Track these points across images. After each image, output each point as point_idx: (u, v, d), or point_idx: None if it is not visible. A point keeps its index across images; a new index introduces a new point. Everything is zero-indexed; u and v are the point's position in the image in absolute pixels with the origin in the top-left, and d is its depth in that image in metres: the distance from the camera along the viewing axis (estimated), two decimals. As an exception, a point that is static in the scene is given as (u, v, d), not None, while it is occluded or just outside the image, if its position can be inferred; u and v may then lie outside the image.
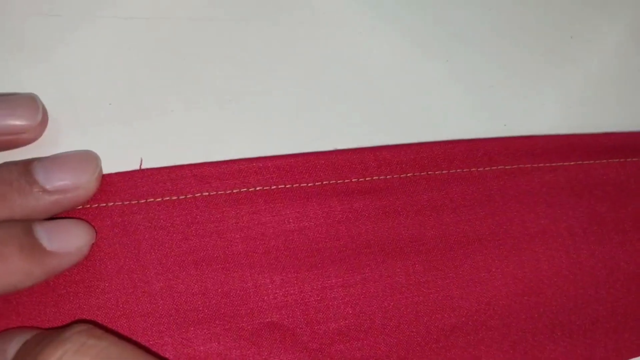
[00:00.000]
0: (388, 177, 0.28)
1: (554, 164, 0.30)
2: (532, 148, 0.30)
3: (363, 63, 0.30)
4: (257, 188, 0.27)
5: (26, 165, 0.25)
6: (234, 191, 0.27)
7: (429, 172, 0.29)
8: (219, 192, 0.27)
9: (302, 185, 0.28)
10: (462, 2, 0.32)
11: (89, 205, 0.26)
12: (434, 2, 0.32)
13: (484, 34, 0.32)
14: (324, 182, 0.28)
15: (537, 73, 0.32)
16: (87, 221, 0.25)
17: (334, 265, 0.27)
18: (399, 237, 0.28)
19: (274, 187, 0.27)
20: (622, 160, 0.31)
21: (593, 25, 0.33)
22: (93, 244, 0.26)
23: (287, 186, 0.27)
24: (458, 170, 0.29)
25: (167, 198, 0.27)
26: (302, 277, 0.27)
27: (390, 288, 0.27)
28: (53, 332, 0.22)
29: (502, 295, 0.28)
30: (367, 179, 0.28)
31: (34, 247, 0.23)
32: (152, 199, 0.27)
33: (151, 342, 0.25)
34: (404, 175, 0.29)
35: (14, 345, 0.23)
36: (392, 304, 0.27)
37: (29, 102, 0.26)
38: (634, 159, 0.31)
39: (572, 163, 0.30)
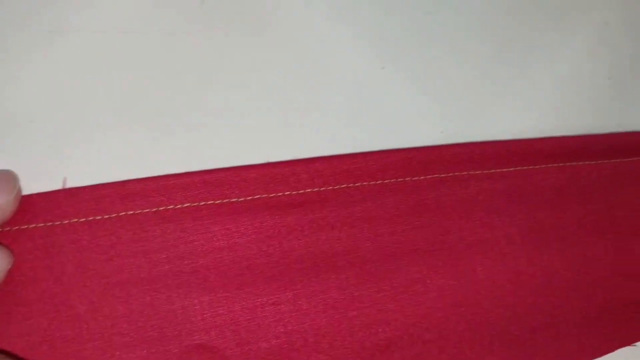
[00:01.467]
0: (322, 189, 0.28)
1: (491, 171, 0.30)
2: (468, 155, 0.29)
3: (299, 70, 0.30)
4: (185, 205, 0.26)
5: None
6: (160, 209, 0.26)
7: (363, 183, 0.28)
8: (144, 210, 0.26)
9: (232, 200, 0.27)
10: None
11: (8, 228, 0.25)
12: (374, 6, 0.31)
13: (419, 40, 0.31)
14: (255, 197, 0.27)
15: (477, 78, 0.31)
16: (4, 245, 0.24)
17: (265, 283, 0.26)
18: (333, 250, 0.27)
19: (202, 203, 0.27)
20: (560, 164, 0.30)
21: (538, 29, 0.33)
22: (11, 268, 0.25)
23: (216, 202, 0.27)
24: (392, 180, 0.28)
25: (91, 218, 0.26)
26: (231, 296, 0.26)
27: (323, 304, 0.26)
28: None
29: (438, 307, 0.27)
30: (299, 191, 0.28)
31: None
32: (75, 219, 0.26)
33: None
34: (338, 186, 0.28)
35: None
36: (324, 320, 0.26)
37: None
38: (572, 163, 0.31)
39: (510, 169, 0.30)
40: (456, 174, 0.29)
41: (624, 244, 0.30)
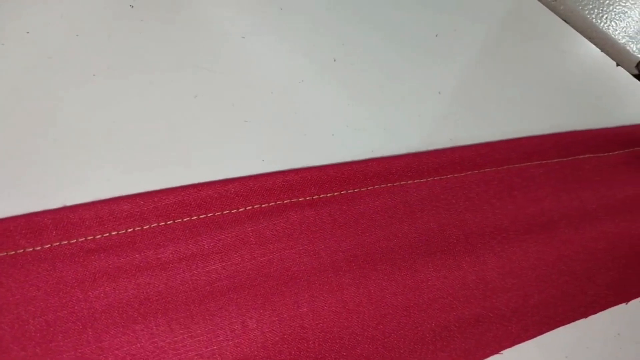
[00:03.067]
0: (129, 230, 0.26)
1: (314, 197, 0.28)
2: (288, 183, 0.28)
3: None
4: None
5: None
6: None
7: (176, 221, 0.27)
8: None
9: (26, 250, 0.25)
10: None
11: None
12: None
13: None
14: (54, 244, 0.25)
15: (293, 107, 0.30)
16: None
17: (66, 338, 0.24)
18: (143, 296, 0.25)
19: (4, 253, 0.25)
20: (389, 185, 0.30)
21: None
22: None
23: (9, 253, 0.25)
24: (208, 215, 0.27)
25: None
26: (29, 355, 0.24)
27: (131, 356, 0.25)
28: None
29: (259, 346, 0.26)
30: (104, 235, 0.26)
31: None
32: None
33: None
34: (147, 226, 0.26)
35: None
36: None
37: None
38: (400, 183, 0.30)
39: (334, 193, 0.29)
40: (277, 203, 0.28)
41: (454, 262, 0.29)
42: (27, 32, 0.27)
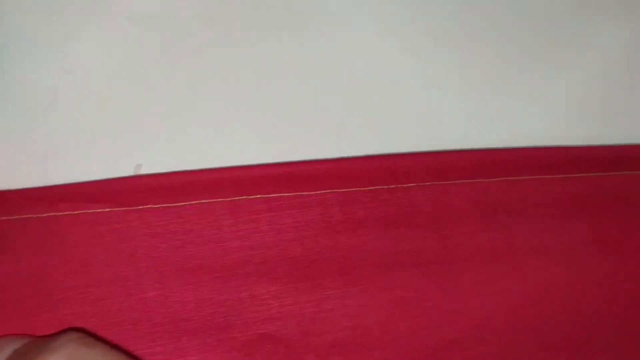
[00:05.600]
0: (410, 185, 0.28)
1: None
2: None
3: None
4: (257, 196, 0.27)
5: None
6: (234, 199, 0.27)
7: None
8: (217, 200, 0.27)
9: (303, 193, 0.27)
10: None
11: (83, 211, 0.26)
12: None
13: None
14: (326, 191, 0.27)
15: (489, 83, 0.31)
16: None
17: (331, 277, 0.27)
18: (400, 249, 0.27)
19: (274, 195, 0.27)
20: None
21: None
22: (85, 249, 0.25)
23: (286, 194, 0.27)
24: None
25: (164, 205, 0.26)
26: (299, 287, 0.27)
27: (389, 301, 0.27)
28: (43, 340, 0.22)
29: (502, 311, 0.28)
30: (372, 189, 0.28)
31: None
32: (149, 206, 0.26)
33: (143, 352, 0.25)
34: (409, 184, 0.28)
35: (3, 354, 0.23)
36: (390, 317, 0.27)
37: None
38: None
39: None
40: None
41: None
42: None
